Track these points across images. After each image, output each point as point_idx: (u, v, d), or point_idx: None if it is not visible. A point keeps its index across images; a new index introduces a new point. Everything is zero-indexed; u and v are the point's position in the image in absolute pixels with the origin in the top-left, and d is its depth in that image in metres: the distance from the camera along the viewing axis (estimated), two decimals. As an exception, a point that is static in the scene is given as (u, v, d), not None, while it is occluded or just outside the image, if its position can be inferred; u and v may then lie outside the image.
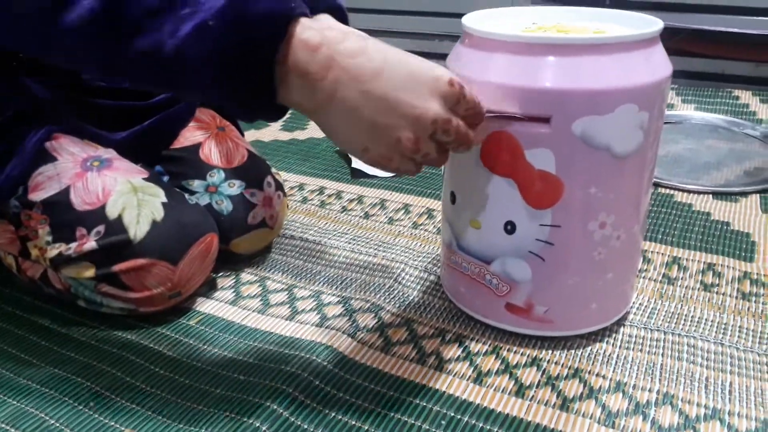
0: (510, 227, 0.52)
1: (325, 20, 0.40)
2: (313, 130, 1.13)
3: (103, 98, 0.66)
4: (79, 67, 0.44)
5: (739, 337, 0.56)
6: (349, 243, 0.74)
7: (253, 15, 0.37)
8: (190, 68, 0.38)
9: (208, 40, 0.37)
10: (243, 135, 0.77)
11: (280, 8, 0.37)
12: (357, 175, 0.93)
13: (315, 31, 0.39)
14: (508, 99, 0.47)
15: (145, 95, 0.68)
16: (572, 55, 0.46)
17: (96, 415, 0.49)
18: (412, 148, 0.42)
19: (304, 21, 0.39)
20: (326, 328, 0.58)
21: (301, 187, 0.90)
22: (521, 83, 0.46)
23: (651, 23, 0.51)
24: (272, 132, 1.13)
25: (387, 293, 0.64)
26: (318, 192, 0.88)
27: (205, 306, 0.63)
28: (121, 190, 0.57)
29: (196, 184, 0.67)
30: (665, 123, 1.05)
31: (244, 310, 0.62)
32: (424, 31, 1.45)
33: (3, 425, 0.49)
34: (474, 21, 0.52)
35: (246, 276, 0.68)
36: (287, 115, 1.21)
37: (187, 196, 0.64)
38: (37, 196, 0.58)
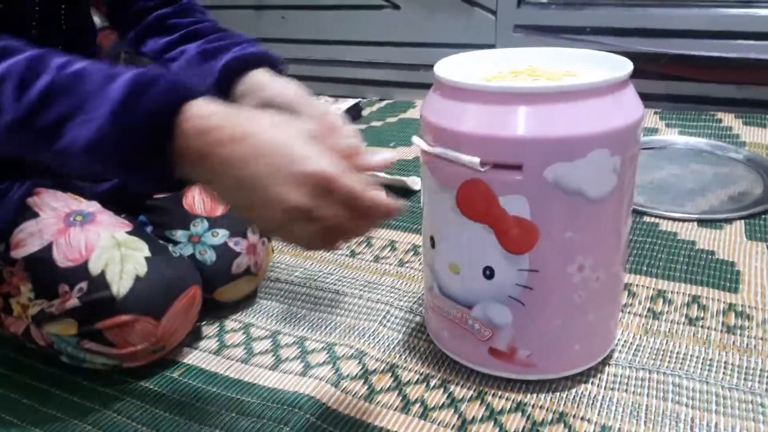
0: (489, 272, 0.51)
1: (207, 107, 0.42)
2: (300, 166, 1.13)
3: None
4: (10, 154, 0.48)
5: (724, 373, 0.56)
6: (335, 284, 0.74)
7: (140, 117, 0.41)
8: (97, 164, 0.43)
9: (101, 150, 0.41)
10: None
11: (166, 107, 0.41)
12: (343, 212, 0.93)
13: (201, 119, 0.41)
14: (480, 147, 0.47)
15: None
16: (541, 103, 0.46)
17: (75, 479, 0.49)
18: (275, 227, 0.42)
19: (188, 111, 0.41)
20: (309, 377, 0.58)
21: (287, 225, 0.90)
22: (492, 132, 0.47)
23: (621, 65, 0.51)
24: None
25: (372, 337, 0.63)
26: (304, 230, 0.88)
27: (189, 357, 0.63)
28: (104, 246, 0.57)
29: (180, 234, 0.67)
30: (650, 149, 1.05)
31: (228, 360, 0.62)
32: (408, 62, 1.46)
33: (-19, 492, 0.48)
34: (446, 69, 0.52)
35: (230, 323, 0.68)
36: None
37: (171, 246, 0.64)
38: (18, 253, 0.57)
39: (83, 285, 0.55)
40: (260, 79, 0.58)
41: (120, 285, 0.55)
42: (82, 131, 0.41)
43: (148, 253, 0.58)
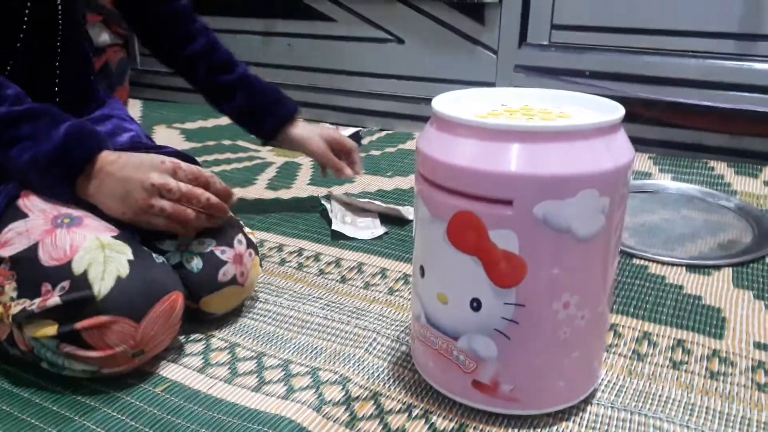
0: (476, 304, 0.52)
1: (108, 152, 0.64)
2: (297, 190, 1.14)
3: None
4: None
5: (705, 419, 0.56)
6: (323, 309, 0.74)
7: (74, 157, 0.62)
8: (26, 174, 0.62)
9: (39, 168, 0.61)
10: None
11: (89, 154, 0.63)
12: (337, 237, 0.94)
13: (101, 158, 0.63)
14: (473, 181, 0.48)
15: None
16: (534, 142, 0.47)
17: (48, 490, 0.48)
18: (144, 205, 0.62)
19: (100, 154, 0.63)
20: (292, 401, 0.58)
21: (280, 248, 0.91)
22: (485, 167, 0.48)
23: (614, 109, 0.53)
24: (257, 190, 1.15)
25: (357, 364, 0.63)
26: (297, 254, 0.89)
27: (173, 372, 0.62)
28: (88, 247, 0.58)
29: (167, 243, 0.67)
30: (642, 192, 1.07)
31: (211, 379, 0.61)
32: (410, 95, 1.49)
33: (-48, 499, 0.47)
34: (443, 104, 0.53)
35: (216, 342, 0.68)
36: (273, 174, 1.23)
37: (156, 255, 0.64)
38: (5, 252, 0.58)
39: (65, 284, 0.56)
40: (293, 137, 0.98)
41: (102, 285, 0.56)
42: (27, 153, 0.60)
43: (131, 257, 0.59)
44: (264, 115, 0.96)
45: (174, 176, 0.64)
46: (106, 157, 0.64)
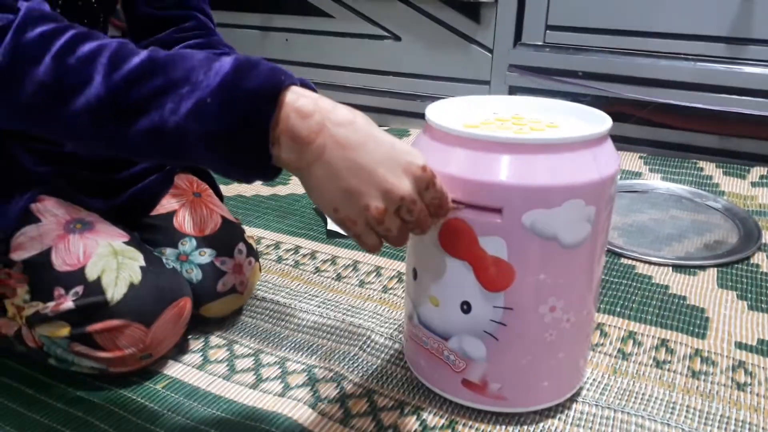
0: (466, 307, 0.54)
1: (308, 92, 0.44)
2: (294, 187, 1.16)
3: (84, 170, 0.68)
4: (84, 145, 0.46)
5: (686, 417, 0.58)
6: (319, 306, 0.76)
7: (247, 91, 0.41)
8: (191, 142, 0.42)
9: (207, 116, 0.41)
10: (222, 198, 0.80)
11: (271, 84, 0.42)
12: (332, 236, 0.96)
13: (308, 99, 0.43)
14: (464, 190, 0.50)
15: (121, 167, 0.71)
16: (523, 153, 0.49)
17: (55, 484, 0.50)
18: (378, 217, 0.44)
19: (296, 89, 0.43)
20: (288, 398, 0.60)
21: (277, 245, 0.93)
22: (476, 177, 0.50)
23: (601, 121, 0.54)
24: (254, 187, 1.16)
25: (351, 362, 0.66)
26: (293, 251, 0.90)
27: (173, 369, 0.64)
28: (101, 253, 0.59)
29: (168, 253, 0.69)
30: (632, 192, 1.09)
31: (210, 375, 0.64)
32: (406, 92, 1.50)
33: (-38, 492, 0.49)
34: (436, 112, 0.55)
35: (215, 339, 0.70)
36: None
37: (165, 260, 0.66)
38: (18, 256, 0.59)
39: (79, 289, 0.57)
40: None
41: (115, 291, 0.57)
42: (184, 102, 0.41)
43: (143, 263, 0.60)
44: None
45: (424, 192, 0.46)
46: (328, 108, 0.43)
